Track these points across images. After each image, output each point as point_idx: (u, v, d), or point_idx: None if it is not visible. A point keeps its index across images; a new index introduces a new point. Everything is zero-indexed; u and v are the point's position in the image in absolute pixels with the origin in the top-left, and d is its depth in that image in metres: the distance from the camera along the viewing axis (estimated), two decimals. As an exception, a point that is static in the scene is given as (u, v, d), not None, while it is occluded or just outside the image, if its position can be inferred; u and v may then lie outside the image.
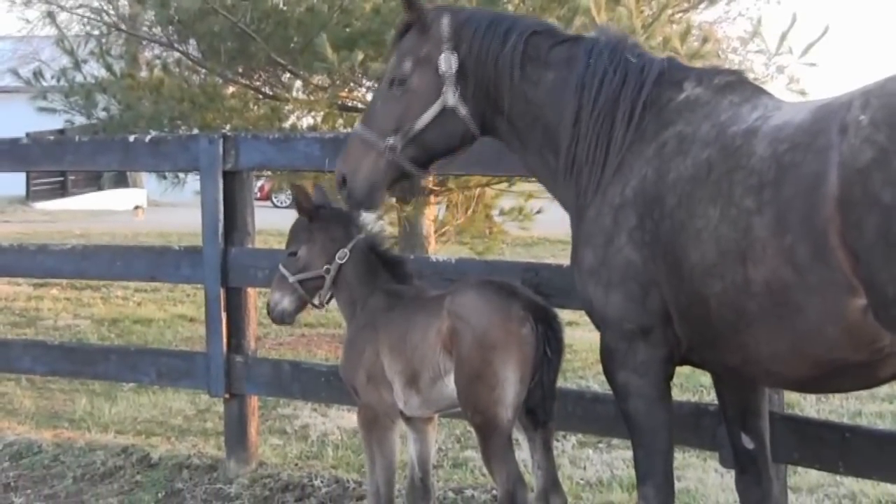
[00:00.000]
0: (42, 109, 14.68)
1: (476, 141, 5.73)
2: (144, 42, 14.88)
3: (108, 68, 14.15)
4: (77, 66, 14.39)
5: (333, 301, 6.11)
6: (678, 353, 5.13)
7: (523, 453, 5.66)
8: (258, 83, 14.25)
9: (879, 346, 4.46)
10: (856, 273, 4.32)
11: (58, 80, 14.49)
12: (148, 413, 10.27)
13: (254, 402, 8.15)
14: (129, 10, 14.59)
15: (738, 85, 5.18)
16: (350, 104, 13.68)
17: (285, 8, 13.13)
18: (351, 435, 9.06)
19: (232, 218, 7.85)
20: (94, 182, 49.66)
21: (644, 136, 5.15)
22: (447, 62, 5.50)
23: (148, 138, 8.43)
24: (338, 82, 12.92)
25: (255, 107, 14.02)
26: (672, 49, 11.78)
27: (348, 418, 9.47)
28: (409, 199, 12.94)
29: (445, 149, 5.69)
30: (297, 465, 8.28)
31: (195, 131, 13.16)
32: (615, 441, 8.31)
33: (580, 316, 10.44)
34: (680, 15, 13.50)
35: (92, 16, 15.36)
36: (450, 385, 5.38)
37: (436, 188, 13.10)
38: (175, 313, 16.30)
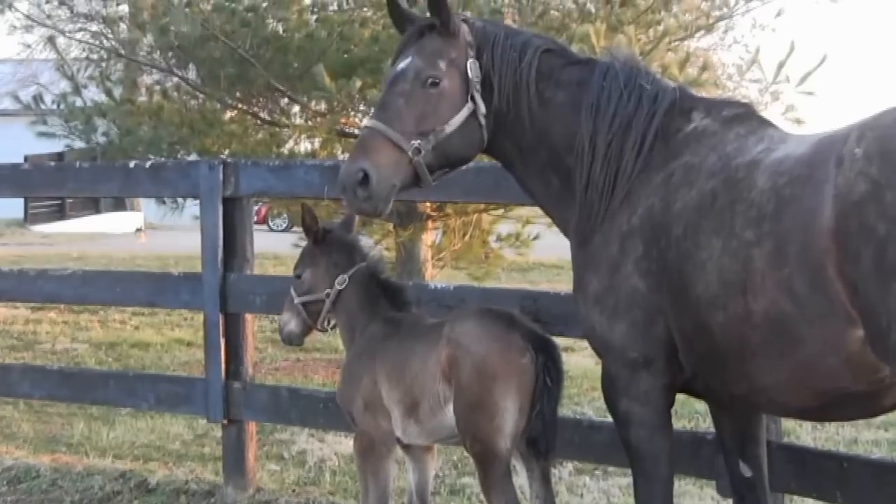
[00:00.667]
0: (41, 134, 14.72)
1: (474, 158, 5.69)
2: (144, 67, 14.92)
3: (108, 93, 14.21)
4: (77, 90, 14.44)
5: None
6: (680, 381, 5.14)
7: (520, 479, 5.66)
8: (257, 108, 14.29)
9: (880, 377, 4.48)
10: (854, 304, 4.35)
11: (57, 105, 14.54)
12: (146, 438, 10.26)
13: (252, 427, 8.16)
14: (129, 36, 14.62)
15: (745, 117, 5.20)
16: (348, 130, 13.71)
17: (285, 34, 13.19)
18: (348, 461, 9.05)
19: (231, 244, 7.87)
20: (92, 205, 49.63)
21: (652, 165, 5.16)
22: (475, 69, 5.40)
23: (148, 164, 8.46)
24: (336, 108, 12.97)
25: (254, 132, 14.06)
26: (670, 77, 11.83)
27: (346, 444, 9.46)
28: (406, 224, 12.97)
29: (461, 158, 5.55)
30: (294, 491, 8.27)
31: (194, 156, 13.24)
32: (612, 468, 8.31)
33: (576, 342, 10.50)
34: (677, 43, 13.55)
35: (92, 41, 15.42)
36: (449, 414, 5.38)
37: (433, 213, 13.13)
38: (173, 337, 16.28)
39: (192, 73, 14.15)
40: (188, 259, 22.50)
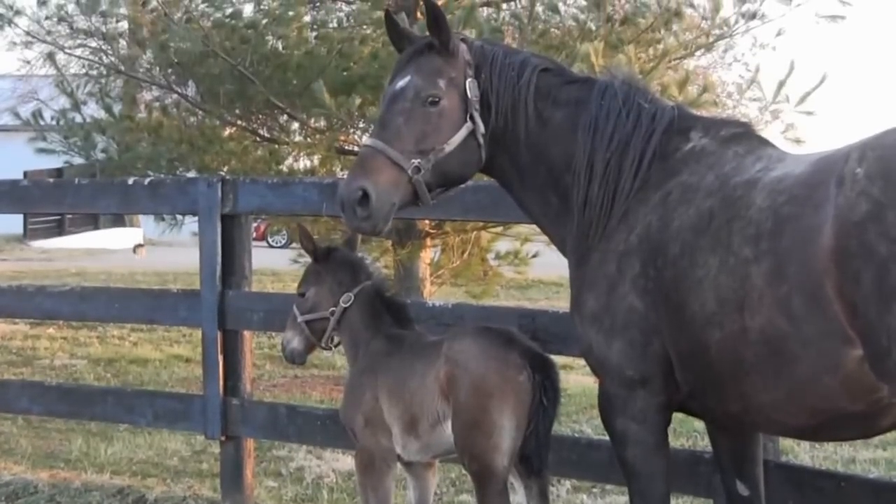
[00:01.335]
0: (41, 150, 14.73)
1: (472, 177, 5.69)
2: (143, 84, 14.94)
3: (107, 109, 14.23)
4: (76, 106, 14.45)
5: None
6: (677, 400, 5.14)
7: (518, 497, 5.67)
8: (256, 126, 14.30)
9: (877, 397, 4.48)
10: (852, 324, 4.35)
11: (57, 121, 14.54)
12: (144, 454, 10.26)
13: (249, 444, 8.16)
14: (129, 52, 14.64)
15: (744, 137, 5.21)
16: (348, 147, 13.73)
17: (284, 51, 13.22)
18: (346, 478, 9.06)
19: (230, 261, 7.88)
20: (91, 221, 49.62)
21: (650, 183, 5.16)
22: (474, 88, 5.40)
23: (147, 181, 8.46)
24: (336, 126, 12.99)
25: (254, 149, 14.07)
26: (670, 96, 11.86)
27: (343, 461, 9.47)
28: (405, 241, 12.97)
29: (459, 176, 5.55)
30: (292, 507, 8.30)
31: (193, 173, 13.23)
32: (609, 487, 8.31)
33: (574, 360, 10.49)
34: (677, 61, 13.57)
35: (91, 57, 15.40)
36: (448, 431, 5.40)
37: (432, 231, 13.15)
38: (171, 353, 16.29)
39: (191, 90, 14.17)
40: (187, 275, 22.52)
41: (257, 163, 13.60)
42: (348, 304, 5.93)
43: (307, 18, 13.86)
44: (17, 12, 14.60)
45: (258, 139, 14.23)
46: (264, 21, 13.19)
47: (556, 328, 6.41)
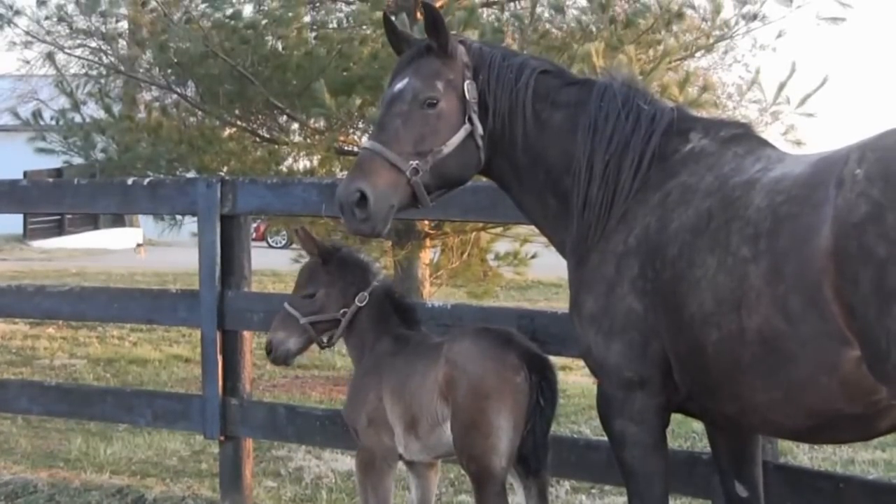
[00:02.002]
0: (40, 150, 14.74)
1: (470, 179, 5.69)
2: (143, 84, 14.95)
3: (107, 109, 14.23)
4: (76, 106, 14.45)
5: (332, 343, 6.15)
6: (675, 401, 5.14)
7: (517, 497, 5.67)
8: (256, 126, 14.31)
9: (875, 399, 4.47)
10: (849, 326, 4.35)
11: (56, 121, 14.55)
12: (143, 454, 10.25)
13: (249, 444, 8.17)
14: (128, 52, 14.65)
15: (743, 138, 5.22)
16: (347, 148, 13.73)
17: (284, 52, 13.22)
18: (345, 478, 9.06)
19: (229, 262, 7.88)
20: (91, 221, 49.63)
21: (649, 184, 5.17)
22: (472, 90, 5.42)
23: (146, 182, 8.46)
24: (335, 126, 12.99)
25: (253, 150, 14.07)
26: (670, 97, 11.86)
27: (342, 461, 9.48)
28: (404, 242, 12.98)
29: (456, 179, 5.57)
30: (290, 507, 8.31)
31: (192, 174, 13.23)
32: (608, 487, 8.31)
33: (573, 361, 10.50)
34: (677, 62, 13.57)
35: (91, 57, 15.41)
36: (448, 431, 5.41)
37: (431, 232, 13.15)
38: (171, 353, 16.29)
39: (191, 91, 14.17)
40: (187, 276, 22.52)
41: (257, 163, 13.60)
42: (363, 304, 5.92)
43: (307, 19, 13.87)
44: (17, 12, 14.61)
45: (258, 140, 14.23)
46: (264, 22, 13.19)
47: (555, 329, 6.40)
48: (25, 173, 29.31)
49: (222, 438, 8.00)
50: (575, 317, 5.32)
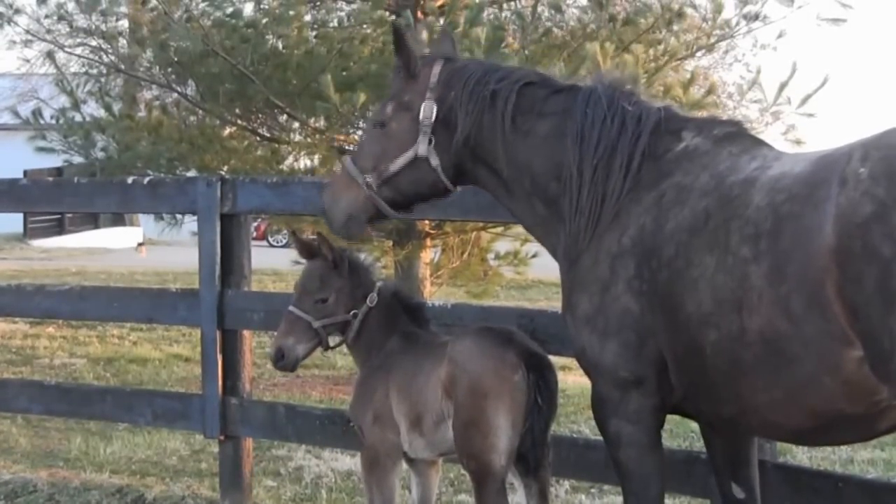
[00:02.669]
0: (40, 149, 14.73)
1: (450, 193, 5.81)
2: (143, 83, 14.93)
3: (107, 108, 14.23)
4: (76, 105, 14.43)
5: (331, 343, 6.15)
6: (671, 401, 5.14)
7: (517, 496, 5.67)
8: (256, 125, 14.30)
9: (877, 399, 4.45)
10: (852, 325, 4.32)
11: (57, 120, 14.53)
12: (143, 453, 10.25)
13: (248, 443, 8.17)
14: (129, 51, 14.62)
15: (737, 136, 5.21)
16: (348, 147, 13.72)
17: (284, 51, 13.20)
18: (345, 477, 9.07)
19: (229, 261, 7.88)
20: (91, 220, 49.62)
21: (642, 184, 5.17)
22: (427, 111, 5.58)
23: (146, 181, 8.45)
24: (336, 125, 12.99)
25: (254, 149, 14.07)
26: (674, 97, 11.85)
27: (342, 461, 9.48)
28: (405, 242, 12.98)
29: (417, 195, 5.78)
30: (290, 507, 8.31)
31: (193, 172, 13.22)
32: (607, 487, 8.31)
33: (573, 361, 10.47)
34: (678, 62, 13.57)
35: (91, 56, 15.39)
36: (451, 430, 5.42)
37: (432, 231, 13.15)
38: (171, 353, 16.29)
39: (191, 89, 14.15)
40: (187, 275, 22.51)
41: (257, 162, 13.61)
42: (373, 304, 5.94)
43: (307, 18, 13.85)
44: (17, 11, 14.59)
45: (258, 139, 14.23)
46: (264, 20, 13.18)
47: (554, 328, 6.39)
48: (25, 172, 29.30)
49: (222, 438, 8.01)
50: (569, 318, 5.33)
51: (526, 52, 12.55)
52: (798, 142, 13.47)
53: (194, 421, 8.17)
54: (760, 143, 5.23)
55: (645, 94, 5.71)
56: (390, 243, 13.16)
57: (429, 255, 14.19)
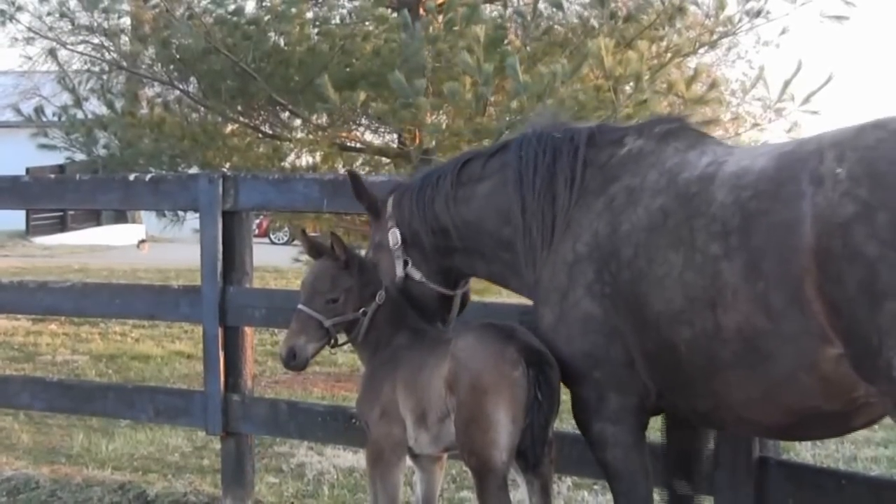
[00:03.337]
0: (43, 146, 14.72)
1: (455, 295, 6.13)
2: (145, 80, 14.93)
3: (109, 106, 14.20)
4: (78, 103, 14.42)
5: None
6: (649, 401, 5.21)
7: (519, 493, 5.66)
8: (258, 122, 14.28)
9: (854, 396, 4.50)
10: (832, 324, 4.36)
11: (59, 117, 14.53)
12: (145, 450, 10.25)
13: (251, 440, 8.17)
14: (131, 48, 14.64)
15: (680, 132, 5.30)
16: (350, 144, 13.72)
17: (286, 48, 13.19)
18: (347, 474, 9.06)
19: (231, 258, 7.88)
20: (94, 217, 49.67)
21: (589, 192, 5.29)
22: (393, 238, 5.99)
23: (148, 177, 8.46)
24: (338, 122, 12.99)
25: (256, 146, 14.06)
26: (676, 94, 11.84)
27: (344, 457, 9.48)
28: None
29: (432, 311, 6.08)
30: (293, 503, 8.28)
31: (195, 169, 13.21)
32: (610, 483, 8.32)
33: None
34: (680, 59, 13.56)
35: (93, 53, 15.39)
36: (453, 426, 5.43)
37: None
38: (173, 350, 16.28)
39: (193, 87, 14.15)
40: (189, 272, 22.51)
41: (260, 159, 13.59)
42: (382, 301, 5.94)
43: (309, 15, 13.85)
44: (19, 8, 14.60)
45: (260, 136, 14.21)
46: (266, 18, 13.18)
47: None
48: (28, 170, 29.30)
49: (224, 434, 8.01)
50: (540, 332, 5.44)
51: (527, 49, 12.55)
52: (801, 139, 13.45)
53: (196, 417, 8.17)
54: (705, 137, 5.34)
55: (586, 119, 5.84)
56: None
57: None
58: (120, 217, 48.12)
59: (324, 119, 13.33)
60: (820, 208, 4.37)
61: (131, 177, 8.51)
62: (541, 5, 12.97)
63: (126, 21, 15.04)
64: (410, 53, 11.58)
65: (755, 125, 13.94)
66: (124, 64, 14.61)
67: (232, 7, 13.41)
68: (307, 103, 12.85)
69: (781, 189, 4.53)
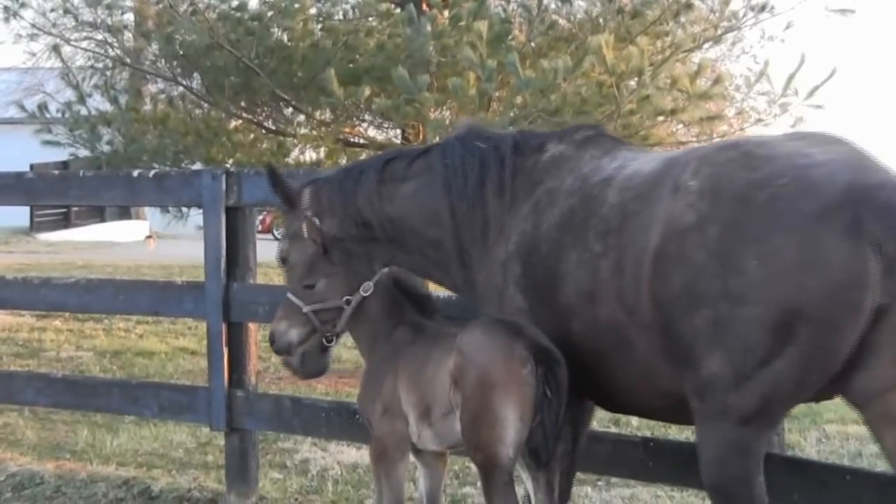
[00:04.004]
0: (46, 143, 14.73)
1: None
2: (149, 76, 14.95)
3: (113, 102, 14.23)
4: (82, 99, 14.44)
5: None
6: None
7: (521, 489, 5.66)
8: (262, 118, 14.29)
9: None
10: (658, 319, 4.84)
11: (62, 114, 14.54)
12: (149, 445, 10.25)
13: (254, 436, 8.17)
14: (134, 45, 14.66)
15: (598, 138, 5.71)
16: (353, 140, 13.71)
17: (290, 43, 13.20)
18: (350, 470, 9.06)
19: (234, 254, 7.88)
20: (98, 214, 49.73)
21: (519, 197, 5.63)
22: (311, 227, 6.04)
23: (152, 173, 8.44)
24: (341, 118, 12.99)
25: (260, 142, 14.06)
26: (681, 89, 11.83)
27: (348, 453, 9.48)
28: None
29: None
30: (297, 499, 8.29)
31: (199, 165, 13.21)
32: (614, 480, 8.32)
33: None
34: (684, 54, 13.54)
35: (97, 49, 15.42)
36: (458, 422, 5.41)
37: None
38: (177, 346, 16.28)
39: (196, 82, 14.17)
40: (193, 268, 22.52)
41: (263, 155, 13.57)
42: (368, 293, 5.92)
43: (312, 10, 13.86)
44: (23, 4, 14.63)
45: (264, 131, 14.21)
46: (269, 13, 13.19)
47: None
48: (31, 166, 29.31)
49: (228, 430, 8.01)
50: None
51: (532, 44, 12.54)
52: (806, 134, 13.41)
53: (200, 413, 8.17)
54: (620, 144, 5.78)
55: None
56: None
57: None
58: (124, 213, 48.20)
59: (327, 115, 13.34)
60: (669, 214, 4.81)
61: (135, 173, 8.51)
62: (546, 0, 12.95)
63: (129, 17, 15.09)
64: (415, 49, 11.57)
65: (759, 120, 13.91)
66: (128, 60, 14.64)
67: (235, 3, 13.43)
68: (311, 99, 12.86)
69: (652, 192, 4.97)
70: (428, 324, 5.92)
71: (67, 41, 15.34)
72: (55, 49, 15.32)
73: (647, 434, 8.85)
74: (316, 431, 8.10)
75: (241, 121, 14.26)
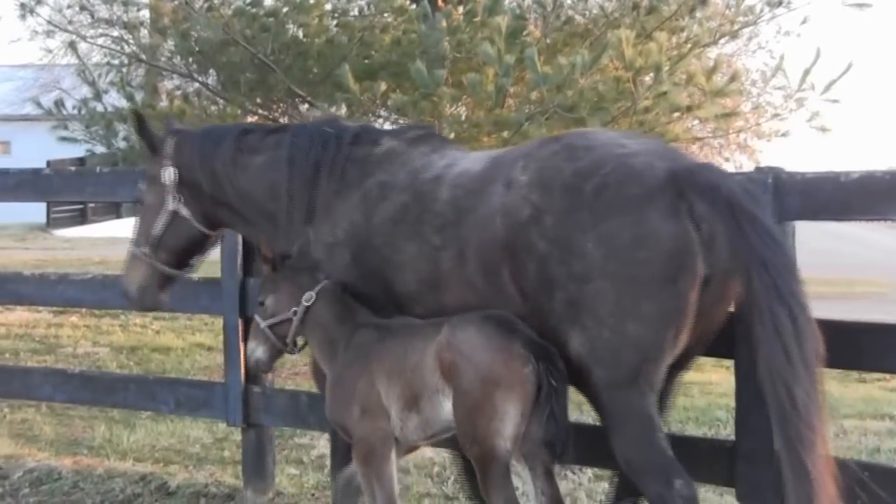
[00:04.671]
0: (63, 139, 14.75)
1: (210, 239, 6.86)
2: (164, 72, 14.93)
3: (129, 98, 14.20)
4: (98, 95, 14.43)
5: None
6: None
7: (517, 480, 5.65)
8: (277, 114, 14.28)
9: None
10: (524, 305, 5.33)
11: (79, 110, 14.54)
12: (166, 441, 10.28)
13: (271, 431, 8.18)
14: (150, 41, 14.65)
15: (428, 137, 6.23)
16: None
17: (305, 39, 13.18)
18: (367, 466, 9.05)
19: (250, 249, 7.90)
20: (114, 210, 49.81)
21: (348, 184, 6.08)
22: (168, 175, 6.61)
23: (168, 170, 8.45)
24: (357, 113, 12.97)
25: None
26: (696, 85, 11.79)
27: (364, 449, 9.47)
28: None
29: (186, 249, 6.78)
30: (313, 495, 8.29)
31: (215, 161, 13.19)
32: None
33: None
34: (700, 50, 13.49)
35: (113, 46, 15.43)
36: (446, 408, 5.42)
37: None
38: (193, 342, 16.32)
39: (212, 79, 14.17)
40: (208, 264, 22.51)
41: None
42: (310, 303, 5.95)
43: (328, 6, 13.83)
44: (39, 1, 14.63)
45: (279, 127, 14.18)
46: (285, 9, 13.16)
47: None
48: (48, 162, 29.37)
49: (245, 426, 8.02)
50: None
51: (547, 40, 12.52)
52: (823, 129, 13.39)
53: (217, 409, 8.20)
54: (448, 143, 6.35)
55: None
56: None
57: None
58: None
59: (343, 110, 13.31)
60: (507, 208, 5.31)
61: (151, 169, 8.51)
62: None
63: (145, 14, 15.06)
64: (430, 44, 11.55)
65: (776, 115, 13.87)
66: (144, 56, 14.63)
67: (250, -1, 13.40)
68: (326, 95, 12.84)
69: (484, 189, 5.47)
70: (391, 321, 5.91)
71: (83, 38, 15.35)
72: (71, 46, 15.32)
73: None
74: (332, 427, 8.11)
75: (256, 117, 14.24)
